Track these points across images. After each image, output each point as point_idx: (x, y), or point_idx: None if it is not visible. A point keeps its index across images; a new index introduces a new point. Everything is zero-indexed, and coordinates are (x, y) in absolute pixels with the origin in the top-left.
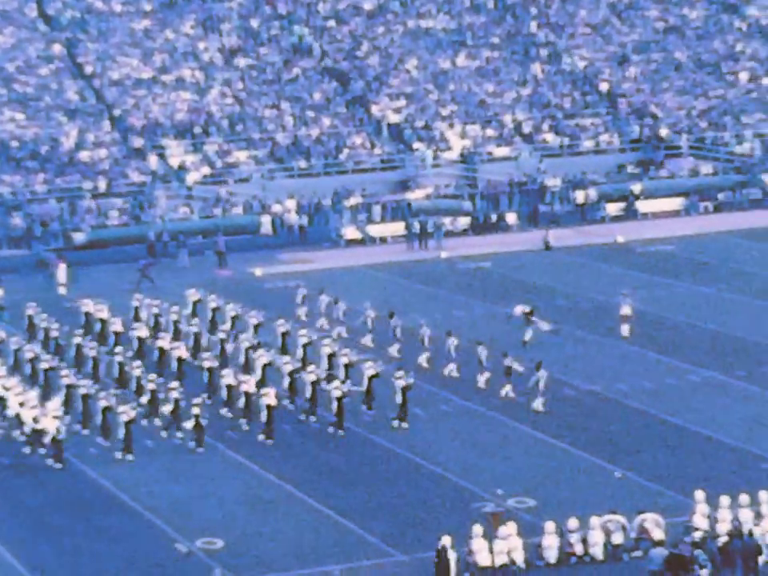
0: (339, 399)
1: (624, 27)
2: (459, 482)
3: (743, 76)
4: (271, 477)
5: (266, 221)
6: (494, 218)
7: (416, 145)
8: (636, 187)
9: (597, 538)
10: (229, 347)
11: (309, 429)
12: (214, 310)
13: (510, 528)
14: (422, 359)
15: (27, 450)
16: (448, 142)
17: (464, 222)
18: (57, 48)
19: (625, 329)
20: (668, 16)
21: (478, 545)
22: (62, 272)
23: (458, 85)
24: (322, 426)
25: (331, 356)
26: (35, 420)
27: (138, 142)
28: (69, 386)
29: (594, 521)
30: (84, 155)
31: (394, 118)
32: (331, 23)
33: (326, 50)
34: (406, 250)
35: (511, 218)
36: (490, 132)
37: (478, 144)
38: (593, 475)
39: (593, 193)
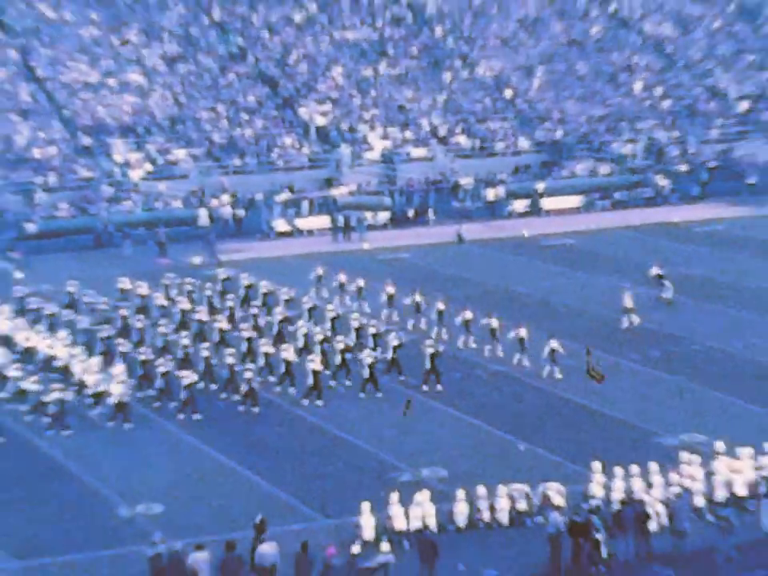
0: (371, 366)
1: (531, 40)
2: (379, 454)
3: (637, 86)
4: (207, 449)
5: (203, 214)
6: (411, 213)
7: (342, 146)
8: (540, 186)
9: (503, 505)
10: (261, 320)
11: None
12: (247, 287)
13: (424, 495)
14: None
15: (94, 411)
16: (370, 144)
17: (384, 216)
18: (12, 53)
19: (625, 320)
20: (570, 31)
21: (395, 511)
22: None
23: (379, 91)
24: (354, 390)
25: (359, 328)
26: (98, 384)
27: (86, 140)
28: (125, 354)
29: (501, 489)
30: (36, 152)
31: (320, 121)
32: (264, 33)
33: (258, 57)
34: (332, 242)
35: (427, 213)
36: (408, 134)
37: (397, 145)
38: (500, 448)
39: (501, 191)
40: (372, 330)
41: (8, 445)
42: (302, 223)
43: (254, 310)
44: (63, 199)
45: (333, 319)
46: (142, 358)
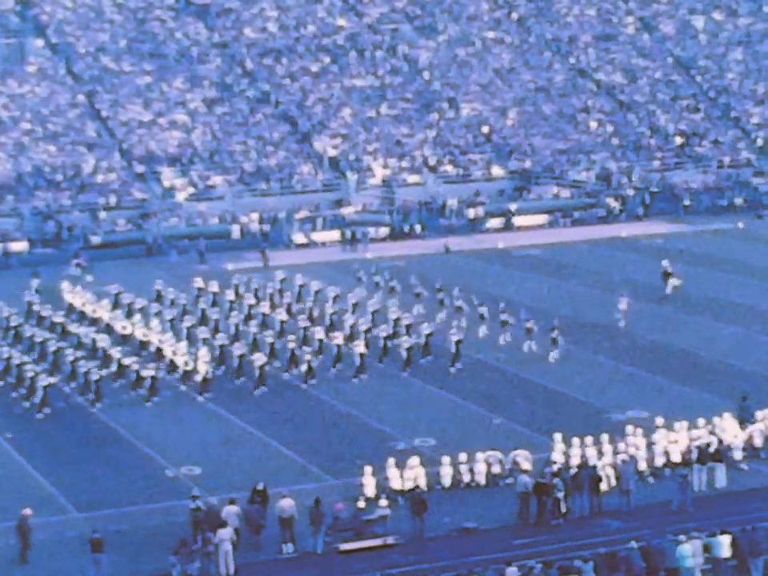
0: (408, 350)
1: (505, 87)
2: (378, 426)
3: (593, 124)
4: (236, 420)
5: (235, 228)
6: (406, 228)
7: (350, 174)
8: (513, 206)
9: (480, 469)
10: (315, 312)
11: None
12: (301, 286)
13: (415, 460)
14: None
15: (183, 387)
16: (373, 171)
17: (384, 231)
18: (80, 97)
19: (622, 321)
20: (538, 79)
21: (392, 473)
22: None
23: (380, 128)
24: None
25: (396, 319)
26: (186, 363)
27: (140, 168)
28: (205, 339)
29: (479, 455)
30: (99, 178)
31: (332, 152)
32: (286, 80)
33: (281, 100)
34: (341, 252)
35: (419, 228)
36: (404, 164)
37: (395, 173)
38: (478, 422)
39: (481, 210)
40: (406, 321)
41: (71, 415)
42: (317, 236)
43: (309, 304)
44: (121, 216)
45: (373, 312)
46: (219, 343)
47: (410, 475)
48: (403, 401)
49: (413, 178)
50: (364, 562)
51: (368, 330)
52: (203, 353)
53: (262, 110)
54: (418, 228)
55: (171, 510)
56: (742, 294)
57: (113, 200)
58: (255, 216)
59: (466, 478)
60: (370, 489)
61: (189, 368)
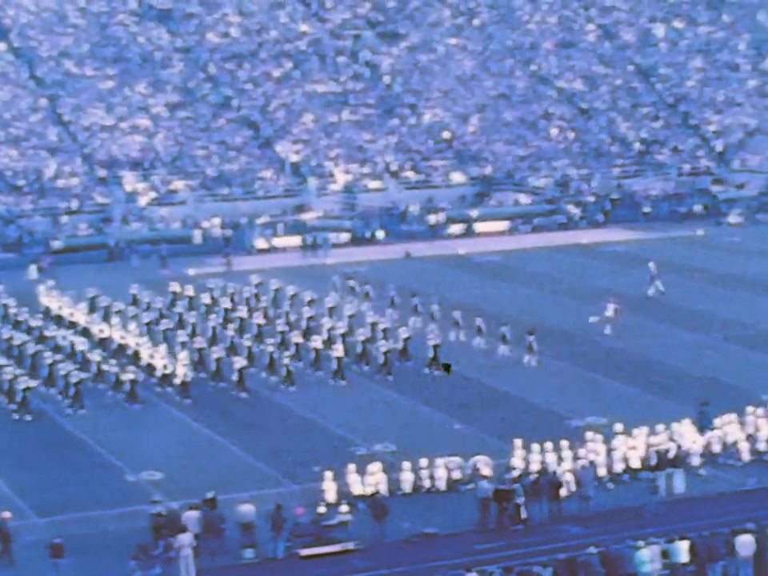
0: (385, 354)
1: (467, 93)
2: (338, 432)
3: (553, 131)
4: (198, 426)
5: (197, 233)
6: (367, 234)
7: (311, 179)
8: (473, 212)
9: (441, 474)
10: (292, 317)
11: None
12: (276, 290)
13: (376, 466)
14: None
15: (159, 389)
16: (334, 177)
17: (345, 236)
18: (42, 101)
19: (608, 327)
20: (499, 86)
21: (353, 479)
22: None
23: (342, 134)
24: (370, 372)
25: (373, 323)
26: (165, 367)
27: (102, 173)
28: (183, 343)
29: (439, 461)
30: (61, 182)
31: (294, 158)
32: (249, 86)
33: (243, 105)
34: (301, 257)
35: (380, 234)
36: (365, 170)
37: (356, 179)
38: (439, 428)
39: (441, 216)
40: (383, 326)
41: (34, 421)
42: (278, 242)
43: (285, 308)
44: (83, 221)
45: (350, 316)
46: (197, 346)
47: (371, 481)
48: (364, 406)
49: (374, 184)
50: (325, 567)
51: (345, 335)
52: (182, 356)
53: (224, 115)
54: (380, 234)
55: (132, 515)
56: (702, 300)
57: (75, 204)
58: (217, 221)
59: (427, 483)
60: (330, 494)
61: (167, 371)
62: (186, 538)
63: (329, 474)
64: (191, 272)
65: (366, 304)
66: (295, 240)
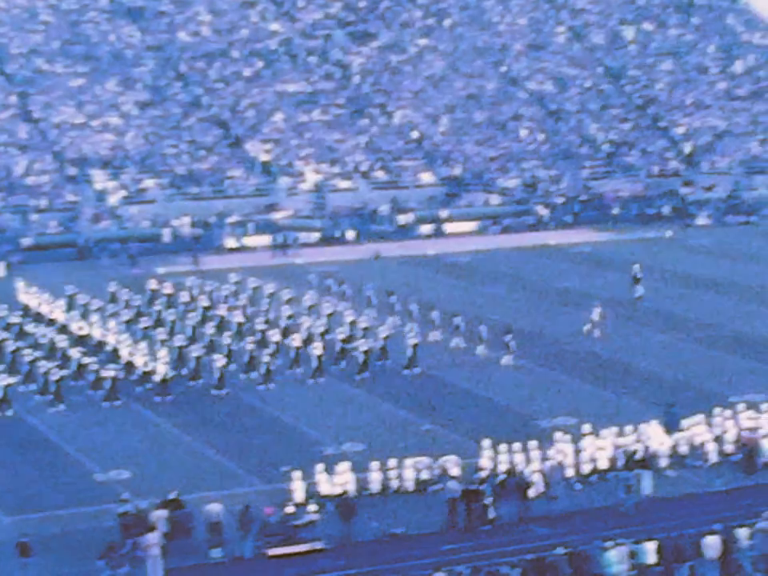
0: (365, 353)
1: (437, 93)
2: (307, 431)
3: (523, 133)
4: (166, 425)
5: (166, 232)
6: (337, 234)
7: (282, 178)
8: (443, 213)
9: (409, 475)
10: (270, 315)
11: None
12: (254, 288)
13: (344, 466)
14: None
15: (140, 388)
16: (304, 177)
17: (315, 236)
18: (12, 98)
19: (597, 331)
20: (469, 87)
21: (321, 478)
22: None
23: (312, 133)
24: (350, 371)
25: (351, 322)
26: (145, 364)
27: (72, 170)
28: (163, 340)
29: (408, 461)
30: (31, 180)
31: (264, 157)
32: (219, 84)
33: (214, 104)
34: (271, 257)
35: (350, 234)
36: (336, 170)
37: (327, 178)
38: (408, 428)
39: (411, 216)
40: (362, 325)
41: (2, 419)
42: (248, 241)
43: (264, 307)
44: (52, 219)
45: (329, 315)
46: (177, 344)
47: (339, 480)
48: (332, 406)
49: (344, 184)
50: (293, 567)
51: (324, 333)
52: (162, 354)
53: (194, 114)
54: (350, 234)
55: (100, 514)
56: (669, 302)
57: (44, 202)
58: (187, 220)
59: (395, 483)
60: (299, 494)
61: (148, 369)
62: (153, 537)
63: (297, 474)
64: (160, 270)
65: (343, 303)
66: (265, 239)
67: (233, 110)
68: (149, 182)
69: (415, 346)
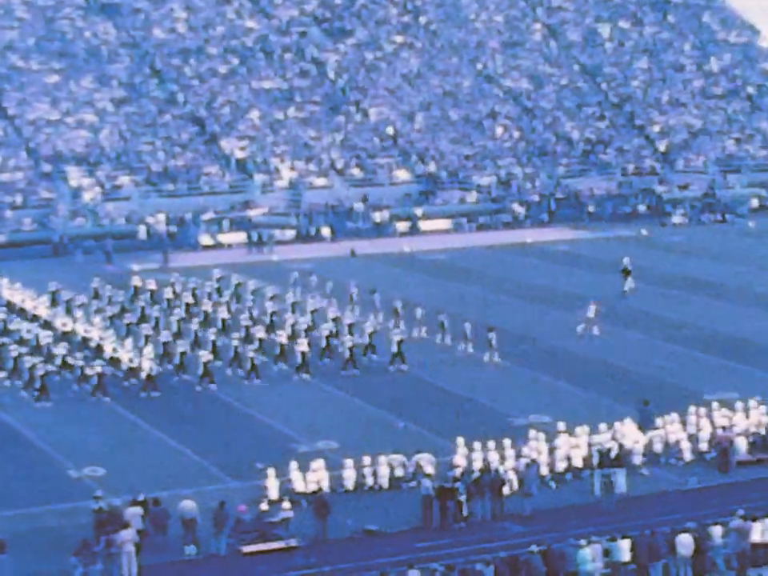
0: (350, 349)
1: (413, 91)
2: (281, 428)
3: (499, 131)
4: (141, 422)
5: (141, 229)
6: (312, 231)
7: (257, 175)
8: (419, 211)
9: (384, 472)
10: (255, 312)
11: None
12: (237, 285)
13: (318, 463)
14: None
15: (127, 383)
16: (280, 174)
17: (291, 233)
18: None
19: (595, 328)
20: (445, 84)
21: (295, 476)
22: None
23: (288, 130)
24: (336, 367)
25: (335, 318)
26: (131, 360)
27: (47, 167)
28: (148, 336)
29: (382, 459)
30: (5, 176)
31: (240, 154)
32: (195, 81)
33: (189, 101)
34: (247, 254)
35: (326, 231)
36: (311, 167)
37: (302, 175)
38: (382, 425)
39: (387, 214)
40: (348, 321)
41: None
42: (223, 238)
43: (248, 303)
44: (27, 216)
45: (312, 311)
46: (162, 340)
47: (314, 478)
48: (306, 403)
49: (320, 181)
50: (267, 564)
51: (309, 329)
52: (147, 350)
53: (170, 111)
54: (325, 231)
55: (74, 510)
56: (643, 300)
57: (18, 199)
58: (162, 217)
59: (369, 480)
60: (273, 491)
61: (133, 365)
62: (127, 534)
63: (271, 471)
64: (135, 267)
65: (327, 300)
66: (240, 236)
67: (208, 107)
68: (124, 179)
69: (400, 342)
